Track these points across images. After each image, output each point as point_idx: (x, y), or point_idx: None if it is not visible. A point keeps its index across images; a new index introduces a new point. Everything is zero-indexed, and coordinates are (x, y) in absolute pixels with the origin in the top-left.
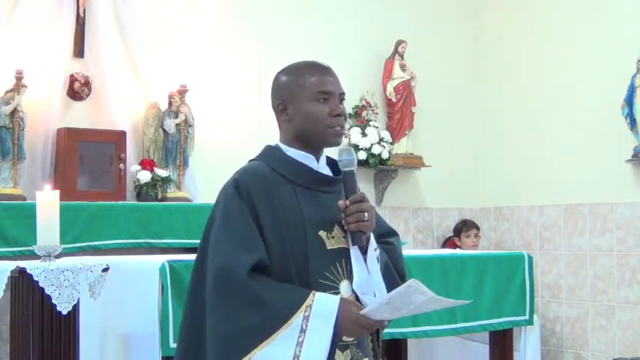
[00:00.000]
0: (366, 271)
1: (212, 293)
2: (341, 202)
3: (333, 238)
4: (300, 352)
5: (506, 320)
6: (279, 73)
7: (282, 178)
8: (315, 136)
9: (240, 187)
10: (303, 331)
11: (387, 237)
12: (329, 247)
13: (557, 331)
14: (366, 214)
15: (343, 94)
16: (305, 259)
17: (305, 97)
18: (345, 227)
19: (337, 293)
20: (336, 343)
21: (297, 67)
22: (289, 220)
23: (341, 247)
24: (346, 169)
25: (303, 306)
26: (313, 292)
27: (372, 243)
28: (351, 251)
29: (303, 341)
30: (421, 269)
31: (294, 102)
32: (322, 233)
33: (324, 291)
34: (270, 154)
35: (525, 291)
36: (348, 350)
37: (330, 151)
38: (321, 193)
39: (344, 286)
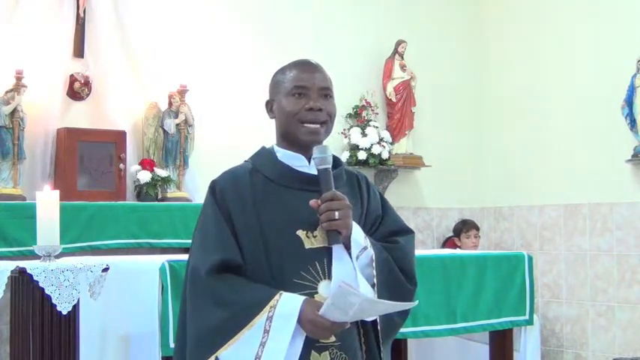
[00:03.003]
0: (350, 271)
1: (187, 294)
2: (312, 202)
3: (314, 237)
4: (262, 352)
5: (506, 320)
6: None
7: (264, 178)
8: (291, 132)
9: (216, 190)
10: (266, 331)
11: (398, 235)
12: (307, 247)
13: (557, 331)
14: (337, 212)
15: (326, 88)
16: (280, 258)
17: (283, 92)
18: (321, 226)
19: (314, 293)
20: (311, 344)
21: (283, 66)
22: (264, 220)
23: (323, 247)
24: (320, 167)
25: (267, 306)
26: (280, 292)
27: (358, 243)
28: (333, 251)
29: (266, 342)
30: (421, 269)
31: (275, 99)
32: (301, 232)
33: (300, 291)
34: (259, 154)
35: (525, 291)
36: (327, 352)
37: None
38: (305, 192)
39: (323, 286)
